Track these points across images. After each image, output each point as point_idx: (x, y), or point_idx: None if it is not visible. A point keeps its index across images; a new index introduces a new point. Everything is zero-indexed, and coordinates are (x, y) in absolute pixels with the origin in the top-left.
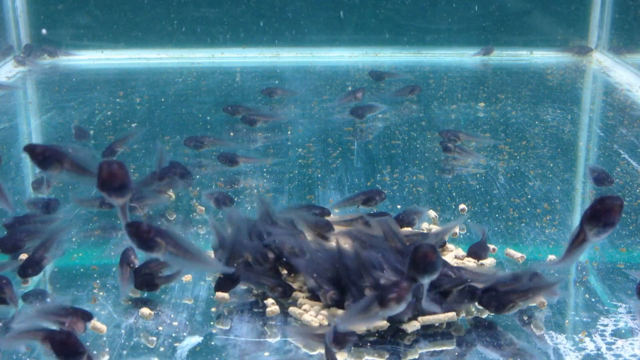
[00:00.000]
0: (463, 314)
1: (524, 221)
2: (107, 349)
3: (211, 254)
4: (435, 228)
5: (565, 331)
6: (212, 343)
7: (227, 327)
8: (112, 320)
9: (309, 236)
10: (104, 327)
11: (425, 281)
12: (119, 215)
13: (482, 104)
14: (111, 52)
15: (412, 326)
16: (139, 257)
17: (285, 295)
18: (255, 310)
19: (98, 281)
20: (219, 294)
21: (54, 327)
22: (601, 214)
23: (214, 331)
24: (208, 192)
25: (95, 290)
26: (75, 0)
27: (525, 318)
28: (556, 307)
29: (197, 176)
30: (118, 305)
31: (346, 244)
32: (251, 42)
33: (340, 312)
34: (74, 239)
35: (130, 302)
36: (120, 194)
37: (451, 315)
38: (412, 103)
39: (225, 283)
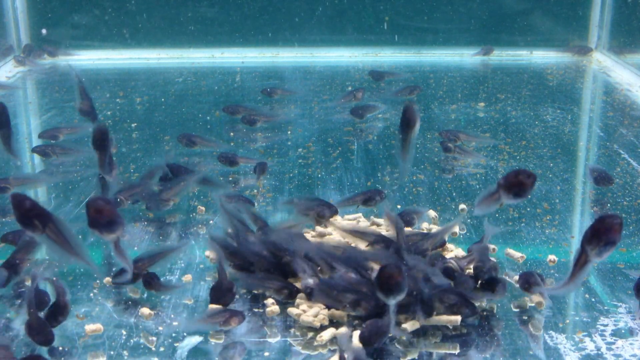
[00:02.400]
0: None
1: (523, 221)
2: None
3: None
4: (435, 228)
5: (565, 331)
6: (212, 343)
7: (227, 328)
8: (112, 320)
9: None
10: (100, 327)
11: (392, 302)
12: (113, 252)
13: (482, 104)
14: (111, 52)
15: (412, 326)
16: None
17: (291, 297)
18: (255, 310)
19: (98, 281)
20: (212, 307)
21: None
22: (601, 234)
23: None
24: (226, 195)
25: (95, 291)
26: (75, 0)
27: (525, 318)
28: (556, 307)
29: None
30: (118, 305)
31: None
32: (251, 42)
33: (338, 313)
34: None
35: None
36: (109, 230)
37: (454, 319)
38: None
39: (222, 294)
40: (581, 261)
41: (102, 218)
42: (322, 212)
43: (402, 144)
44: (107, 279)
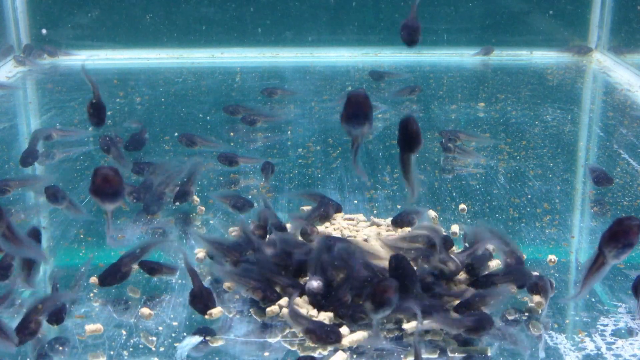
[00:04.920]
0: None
1: (524, 221)
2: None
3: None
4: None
5: (565, 331)
6: (212, 343)
7: (227, 327)
8: (112, 320)
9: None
10: (100, 327)
11: (377, 317)
12: (107, 220)
13: (482, 104)
14: (111, 52)
15: (412, 326)
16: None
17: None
18: (256, 310)
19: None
20: (211, 311)
21: None
22: (620, 236)
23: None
24: (223, 195)
25: (95, 291)
26: (75, 0)
27: (525, 318)
28: (556, 307)
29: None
30: (118, 305)
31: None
32: (251, 42)
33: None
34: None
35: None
36: (112, 200)
37: None
38: (412, 103)
39: (203, 301)
40: (598, 263)
41: (108, 188)
42: (326, 212)
43: (404, 166)
44: (93, 279)
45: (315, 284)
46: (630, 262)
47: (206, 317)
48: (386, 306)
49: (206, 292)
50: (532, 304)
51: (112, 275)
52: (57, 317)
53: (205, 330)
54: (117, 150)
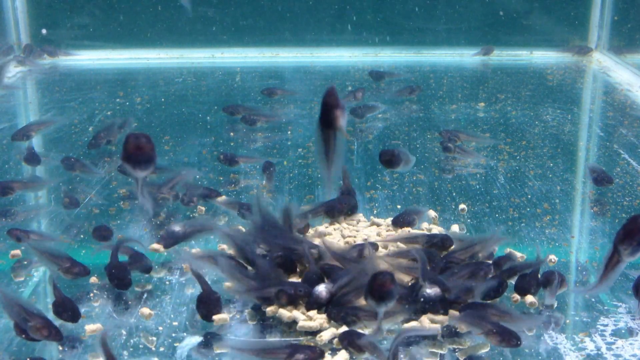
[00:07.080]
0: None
1: (524, 221)
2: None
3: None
4: (435, 228)
5: (565, 331)
6: (212, 343)
7: (227, 328)
8: (112, 320)
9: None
10: (100, 327)
11: (381, 310)
12: (137, 188)
13: (482, 104)
14: (111, 52)
15: (413, 326)
16: None
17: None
18: (255, 310)
19: (99, 280)
20: (217, 317)
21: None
22: (634, 234)
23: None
24: (228, 201)
25: (95, 291)
26: (75, 0)
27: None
28: (556, 307)
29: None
30: (118, 305)
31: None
32: (251, 42)
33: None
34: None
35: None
36: (144, 168)
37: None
38: (412, 103)
39: (210, 305)
40: (613, 261)
41: (141, 154)
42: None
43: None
44: (93, 279)
45: (324, 293)
46: (631, 262)
47: (209, 320)
48: (387, 299)
49: (214, 297)
50: (528, 303)
51: (120, 278)
52: (72, 314)
53: (206, 331)
54: (83, 165)
